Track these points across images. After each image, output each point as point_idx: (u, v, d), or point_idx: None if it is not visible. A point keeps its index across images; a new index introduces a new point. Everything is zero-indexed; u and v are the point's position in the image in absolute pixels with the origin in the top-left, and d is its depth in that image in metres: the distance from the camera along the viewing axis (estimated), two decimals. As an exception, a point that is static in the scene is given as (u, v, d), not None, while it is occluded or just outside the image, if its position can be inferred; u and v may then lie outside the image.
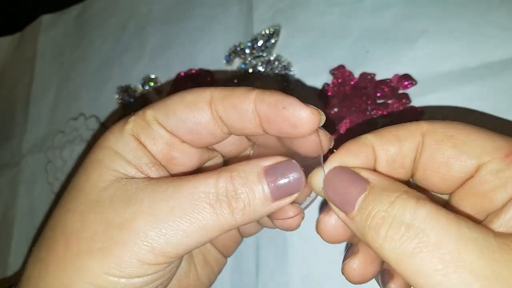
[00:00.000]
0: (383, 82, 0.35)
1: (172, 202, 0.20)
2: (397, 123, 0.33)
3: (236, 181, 0.20)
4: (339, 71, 0.37)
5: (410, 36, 0.35)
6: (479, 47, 0.32)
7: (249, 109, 0.21)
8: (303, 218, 0.24)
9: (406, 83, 0.34)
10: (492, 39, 0.31)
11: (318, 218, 0.21)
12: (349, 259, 0.21)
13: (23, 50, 0.65)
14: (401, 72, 0.34)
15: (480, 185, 0.18)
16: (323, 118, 0.21)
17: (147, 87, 0.48)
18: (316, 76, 0.38)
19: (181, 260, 0.24)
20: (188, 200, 0.20)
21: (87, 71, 0.56)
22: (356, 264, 0.21)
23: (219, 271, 0.30)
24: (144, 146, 0.22)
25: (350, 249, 0.22)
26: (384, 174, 0.20)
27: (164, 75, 0.47)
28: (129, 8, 0.54)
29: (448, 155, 0.18)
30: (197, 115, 0.22)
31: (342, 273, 0.21)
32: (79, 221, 0.21)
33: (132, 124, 0.22)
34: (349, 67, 0.37)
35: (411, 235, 0.15)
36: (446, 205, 0.20)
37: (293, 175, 0.20)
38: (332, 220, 0.21)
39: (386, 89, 0.34)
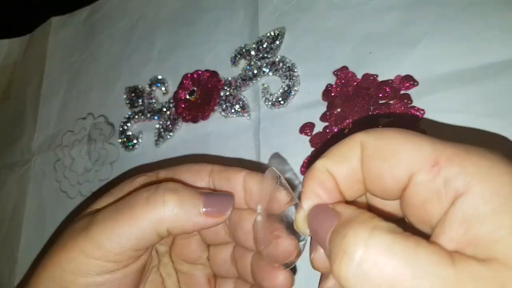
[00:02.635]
0: (385, 83, 0.35)
1: (117, 203, 0.24)
2: (398, 123, 0.34)
3: (182, 184, 0.25)
4: (342, 72, 0.38)
5: (412, 38, 0.35)
6: (480, 48, 0.32)
7: (238, 184, 0.26)
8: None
9: (407, 84, 0.35)
10: (493, 41, 0.32)
11: (310, 257, 0.21)
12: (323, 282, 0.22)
13: (33, 52, 0.66)
14: (403, 73, 0.35)
15: (414, 198, 0.17)
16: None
17: (154, 88, 0.49)
18: (320, 77, 0.39)
19: (133, 282, 0.25)
20: (130, 197, 0.24)
21: (96, 72, 0.57)
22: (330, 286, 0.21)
23: None
24: None
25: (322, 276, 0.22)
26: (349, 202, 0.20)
27: (171, 76, 0.48)
28: (138, 11, 0.55)
29: (379, 169, 0.18)
30: (198, 180, 0.27)
31: None
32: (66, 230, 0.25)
33: (145, 177, 0.28)
34: (352, 68, 0.37)
35: (361, 271, 0.15)
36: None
37: (225, 199, 0.25)
38: (321, 256, 0.21)
39: (388, 90, 0.35)
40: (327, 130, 0.37)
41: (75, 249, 0.23)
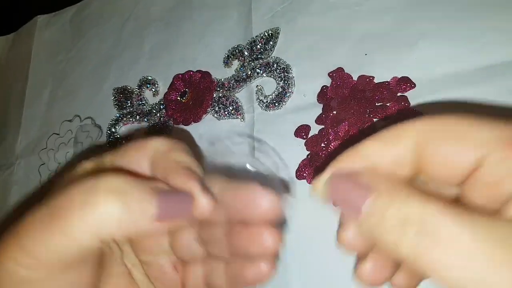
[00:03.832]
0: (382, 84, 0.35)
1: (48, 203, 0.20)
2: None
3: (128, 179, 0.21)
4: (337, 74, 0.37)
5: (408, 40, 0.35)
6: (478, 50, 0.32)
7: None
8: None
9: (404, 86, 0.34)
10: (491, 42, 0.32)
11: (339, 236, 0.21)
12: (361, 263, 0.21)
13: (18, 51, 0.64)
14: (400, 75, 0.34)
15: (486, 177, 0.17)
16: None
17: (143, 89, 0.48)
18: (315, 79, 0.38)
19: (86, 279, 0.22)
20: (61, 198, 0.20)
21: (83, 72, 0.56)
22: (370, 266, 0.21)
23: None
24: None
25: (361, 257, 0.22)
26: (388, 177, 0.20)
27: (162, 77, 0.47)
28: (128, 9, 0.53)
29: (448, 152, 0.18)
30: (143, 154, 0.23)
31: (355, 278, 0.21)
32: None
33: (91, 163, 0.24)
34: (348, 69, 0.37)
35: (423, 233, 0.15)
36: (457, 200, 0.20)
37: (183, 199, 0.21)
38: (349, 233, 0.21)
39: (385, 92, 0.34)
40: (323, 133, 0.36)
41: (7, 257, 0.19)
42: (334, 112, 0.36)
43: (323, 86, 0.37)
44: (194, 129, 0.43)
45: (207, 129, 0.43)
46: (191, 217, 0.22)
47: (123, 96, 0.49)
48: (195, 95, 0.43)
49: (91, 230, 0.19)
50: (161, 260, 0.27)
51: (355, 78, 0.36)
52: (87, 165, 0.24)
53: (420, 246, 0.15)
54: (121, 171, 0.23)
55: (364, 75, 0.36)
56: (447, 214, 0.15)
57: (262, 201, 0.22)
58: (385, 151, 0.19)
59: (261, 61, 0.41)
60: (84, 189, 0.19)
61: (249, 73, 0.41)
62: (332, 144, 0.36)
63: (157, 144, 0.23)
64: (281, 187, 0.23)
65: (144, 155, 0.23)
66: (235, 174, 0.24)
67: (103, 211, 0.19)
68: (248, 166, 0.24)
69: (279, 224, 0.23)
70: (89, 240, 0.19)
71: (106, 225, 0.19)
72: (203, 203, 0.21)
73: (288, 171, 0.37)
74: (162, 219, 0.20)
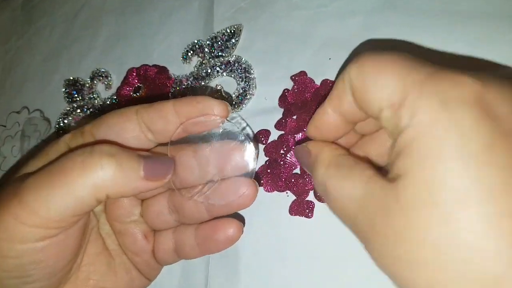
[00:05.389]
0: (345, 91, 0.33)
1: (49, 167, 0.22)
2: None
3: (118, 146, 0.24)
4: (300, 78, 0.35)
5: (373, 44, 0.33)
6: (446, 58, 0.31)
7: (169, 111, 0.25)
8: (257, 189, 0.28)
9: (367, 93, 0.33)
10: (458, 51, 0.31)
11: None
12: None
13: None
14: (363, 82, 0.33)
15: (380, 135, 0.21)
16: (230, 109, 0.26)
17: (96, 81, 0.44)
18: (277, 81, 0.36)
19: (75, 241, 0.25)
20: (62, 161, 0.22)
21: (33, 61, 0.52)
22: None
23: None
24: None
25: None
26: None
27: (115, 69, 0.44)
28: (81, -3, 0.50)
29: (365, 94, 0.19)
30: (124, 120, 0.25)
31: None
32: None
33: (70, 135, 0.26)
34: (310, 73, 0.35)
35: (321, 186, 0.22)
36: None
37: (165, 161, 0.25)
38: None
39: (347, 99, 0.33)
40: (283, 139, 0.34)
41: (8, 216, 0.21)
42: (295, 117, 0.35)
43: (284, 90, 0.36)
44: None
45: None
46: (170, 176, 0.25)
47: (74, 88, 0.45)
48: (150, 91, 0.40)
49: (90, 187, 0.21)
50: (132, 230, 0.29)
51: (318, 82, 0.35)
52: (67, 137, 0.26)
53: (323, 194, 0.21)
54: (105, 141, 0.25)
55: (327, 79, 0.34)
56: (331, 178, 0.21)
57: (239, 151, 0.27)
58: (339, 107, 0.22)
59: (221, 59, 0.39)
60: (82, 153, 0.22)
61: (209, 71, 0.39)
62: (292, 150, 0.34)
63: (137, 107, 0.26)
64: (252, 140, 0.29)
65: (129, 118, 0.25)
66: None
67: (99, 169, 0.21)
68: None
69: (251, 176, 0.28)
70: (87, 197, 0.22)
71: (103, 182, 0.22)
72: (220, 107, 0.26)
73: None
74: (149, 179, 0.23)
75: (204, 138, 0.29)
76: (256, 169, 0.28)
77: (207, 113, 0.26)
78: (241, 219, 0.31)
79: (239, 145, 0.28)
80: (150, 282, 0.31)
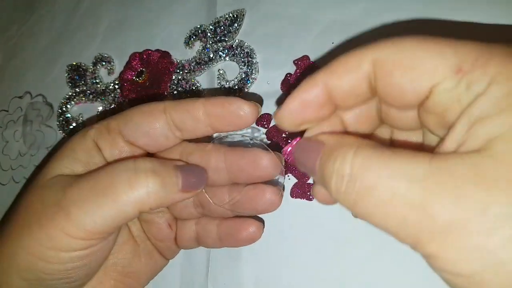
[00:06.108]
0: (347, 75, 0.33)
1: (92, 181, 0.24)
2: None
3: (157, 161, 0.25)
4: (302, 62, 0.35)
5: (375, 30, 0.33)
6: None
7: (199, 111, 0.25)
8: (282, 196, 0.28)
9: (370, 77, 0.33)
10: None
11: (312, 192, 0.24)
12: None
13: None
14: (366, 66, 0.33)
15: (437, 106, 0.17)
16: (260, 110, 0.26)
17: (98, 67, 0.44)
18: (280, 66, 0.36)
19: (113, 242, 0.27)
20: (107, 177, 0.23)
21: (36, 47, 0.52)
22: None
23: (161, 268, 0.33)
24: (99, 149, 0.27)
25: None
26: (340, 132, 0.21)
27: (118, 54, 0.44)
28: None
29: (399, 83, 0.18)
30: (152, 120, 0.26)
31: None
32: (26, 200, 0.26)
33: (95, 130, 0.27)
34: (313, 58, 0.35)
35: (352, 184, 0.17)
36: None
37: (200, 172, 0.26)
38: (318, 187, 0.23)
39: (349, 83, 0.33)
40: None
41: (55, 228, 0.23)
42: (297, 101, 0.35)
43: (287, 74, 0.36)
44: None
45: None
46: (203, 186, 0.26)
47: (76, 73, 0.45)
48: (153, 76, 0.40)
49: (135, 203, 0.23)
50: (157, 218, 0.31)
51: (321, 66, 0.35)
52: (92, 133, 0.27)
53: (351, 196, 0.17)
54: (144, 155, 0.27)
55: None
56: (371, 164, 0.16)
57: (263, 160, 0.27)
58: (342, 80, 0.20)
59: (224, 43, 0.39)
60: (126, 168, 0.24)
61: (211, 55, 0.39)
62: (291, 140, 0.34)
63: (164, 105, 0.26)
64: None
65: (157, 117, 0.26)
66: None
67: (145, 187, 0.23)
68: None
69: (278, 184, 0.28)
70: (132, 211, 0.23)
71: (148, 199, 0.23)
72: (251, 109, 0.25)
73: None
74: (185, 191, 0.25)
75: (233, 143, 0.32)
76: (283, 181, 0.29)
77: (238, 114, 0.25)
78: (261, 219, 0.32)
79: (267, 153, 0.27)
80: (168, 261, 0.33)
